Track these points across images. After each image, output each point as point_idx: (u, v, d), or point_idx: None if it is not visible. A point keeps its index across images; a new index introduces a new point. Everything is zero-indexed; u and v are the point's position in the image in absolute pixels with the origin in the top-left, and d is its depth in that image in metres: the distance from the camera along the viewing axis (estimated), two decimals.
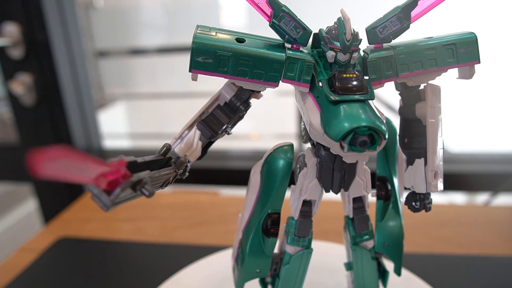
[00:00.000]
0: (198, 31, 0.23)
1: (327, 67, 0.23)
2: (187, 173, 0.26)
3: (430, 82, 0.25)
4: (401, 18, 0.23)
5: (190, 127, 0.26)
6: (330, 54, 0.22)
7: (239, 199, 0.58)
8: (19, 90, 0.67)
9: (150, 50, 1.33)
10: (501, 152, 0.64)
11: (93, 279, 0.41)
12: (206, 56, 0.23)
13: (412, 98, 0.27)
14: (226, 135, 0.27)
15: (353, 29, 0.21)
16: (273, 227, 0.28)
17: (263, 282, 0.30)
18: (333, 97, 0.22)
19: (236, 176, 0.70)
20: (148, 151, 0.78)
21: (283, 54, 0.23)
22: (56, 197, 0.76)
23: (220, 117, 0.26)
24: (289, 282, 0.28)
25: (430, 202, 0.26)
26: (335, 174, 0.25)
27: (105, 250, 0.46)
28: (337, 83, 0.22)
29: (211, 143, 0.28)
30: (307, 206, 0.27)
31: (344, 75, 0.22)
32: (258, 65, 0.23)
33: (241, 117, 0.27)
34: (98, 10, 1.32)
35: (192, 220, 0.53)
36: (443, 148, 0.26)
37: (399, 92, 0.27)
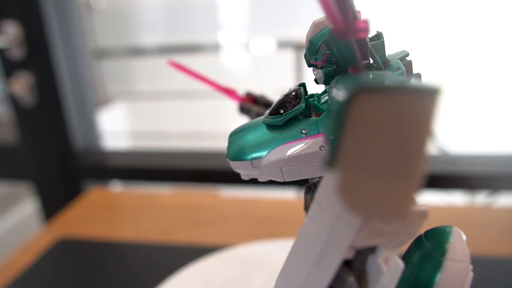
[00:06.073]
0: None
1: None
2: None
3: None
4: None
5: None
6: None
7: (239, 199, 0.58)
8: (19, 90, 0.67)
9: (151, 50, 1.33)
10: (501, 152, 0.64)
11: (93, 278, 0.41)
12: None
13: None
14: None
15: (312, 37, 0.17)
16: None
17: None
18: None
19: (236, 177, 0.69)
20: (149, 151, 0.78)
21: None
22: (56, 197, 0.76)
23: None
24: None
25: None
26: None
27: (105, 250, 0.46)
28: None
29: None
30: None
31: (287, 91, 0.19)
32: None
33: None
34: (99, 10, 1.32)
35: (192, 220, 0.53)
36: None
37: None
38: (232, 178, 0.70)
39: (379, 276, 0.15)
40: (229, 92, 0.29)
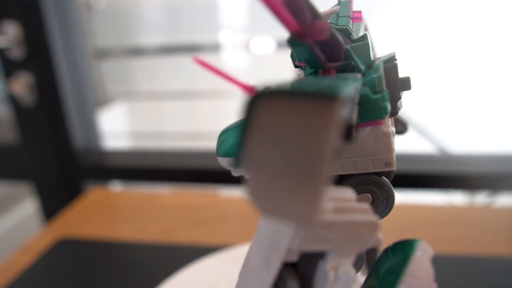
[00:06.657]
0: None
1: None
2: None
3: None
4: None
5: None
6: None
7: (239, 199, 0.58)
8: (19, 90, 0.67)
9: (151, 50, 1.33)
10: (501, 152, 0.64)
11: (93, 278, 0.41)
12: None
13: None
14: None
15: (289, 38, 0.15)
16: None
17: None
18: None
19: (236, 176, 0.69)
20: (149, 151, 0.78)
21: None
22: (56, 197, 0.76)
23: None
24: None
25: None
26: None
27: (105, 250, 0.46)
28: None
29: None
30: None
31: None
32: None
33: None
34: (99, 10, 1.32)
35: (192, 220, 0.53)
36: None
37: None
38: (232, 178, 0.70)
39: (325, 284, 0.15)
40: (249, 90, 0.30)
